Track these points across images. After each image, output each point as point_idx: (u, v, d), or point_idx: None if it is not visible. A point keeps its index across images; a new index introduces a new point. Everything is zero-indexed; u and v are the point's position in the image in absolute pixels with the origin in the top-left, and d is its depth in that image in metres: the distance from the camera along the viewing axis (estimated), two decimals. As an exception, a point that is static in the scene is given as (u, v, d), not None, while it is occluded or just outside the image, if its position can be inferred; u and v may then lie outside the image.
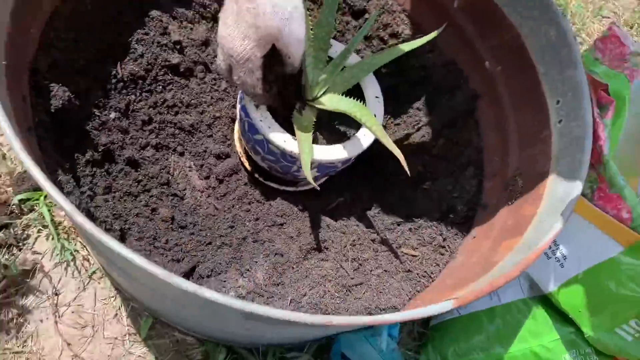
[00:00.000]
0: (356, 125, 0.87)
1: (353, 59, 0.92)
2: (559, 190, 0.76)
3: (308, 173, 0.74)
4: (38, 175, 0.53)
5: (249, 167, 0.94)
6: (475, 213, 0.93)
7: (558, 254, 0.83)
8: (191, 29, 1.00)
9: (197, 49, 0.99)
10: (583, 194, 0.81)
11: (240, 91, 0.86)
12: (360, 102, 0.81)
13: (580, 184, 0.73)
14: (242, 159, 0.95)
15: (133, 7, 0.93)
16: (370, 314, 0.78)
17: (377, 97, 0.91)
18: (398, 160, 0.73)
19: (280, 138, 0.80)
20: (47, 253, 0.91)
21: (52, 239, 0.91)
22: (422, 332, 1.01)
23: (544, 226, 0.72)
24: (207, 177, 0.94)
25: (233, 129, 0.98)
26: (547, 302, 0.88)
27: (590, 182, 0.80)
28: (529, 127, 0.90)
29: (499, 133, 0.96)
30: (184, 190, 0.91)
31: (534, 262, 0.65)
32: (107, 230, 0.79)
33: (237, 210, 0.91)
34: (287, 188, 0.94)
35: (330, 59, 0.90)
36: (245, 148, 0.94)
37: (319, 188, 0.76)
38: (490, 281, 0.63)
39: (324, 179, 0.97)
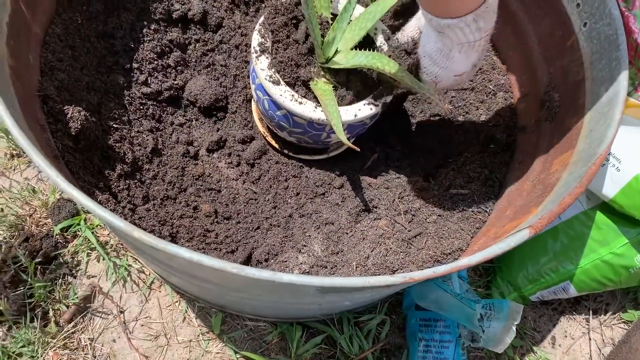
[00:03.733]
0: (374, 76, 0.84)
1: (357, 10, 0.89)
2: (602, 95, 0.73)
3: (342, 136, 0.72)
4: (87, 202, 0.52)
5: (276, 145, 0.92)
6: (516, 138, 0.90)
7: (611, 159, 0.81)
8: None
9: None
10: (625, 93, 0.78)
11: (251, 69, 0.83)
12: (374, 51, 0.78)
13: (625, 81, 0.70)
14: (267, 138, 0.93)
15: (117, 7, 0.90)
16: (437, 261, 0.77)
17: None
18: (424, 101, 0.71)
19: (304, 108, 0.78)
20: (102, 274, 0.91)
21: (103, 259, 0.90)
22: (486, 267, 1.00)
23: (596, 135, 0.69)
24: (238, 164, 0.92)
25: (251, 110, 0.96)
26: (609, 209, 0.86)
27: (630, 78, 0.77)
28: (551, 38, 0.86)
29: (521, 51, 0.93)
30: (218, 182, 0.90)
31: (597, 173, 0.63)
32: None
33: (275, 190, 0.89)
34: (319, 157, 0.93)
35: (334, 15, 0.87)
36: (268, 127, 0.92)
37: (358, 149, 0.74)
38: (558, 201, 0.61)
39: (353, 140, 0.94)
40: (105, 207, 0.73)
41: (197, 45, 0.97)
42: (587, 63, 0.78)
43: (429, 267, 0.77)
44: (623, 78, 0.70)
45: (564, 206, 0.60)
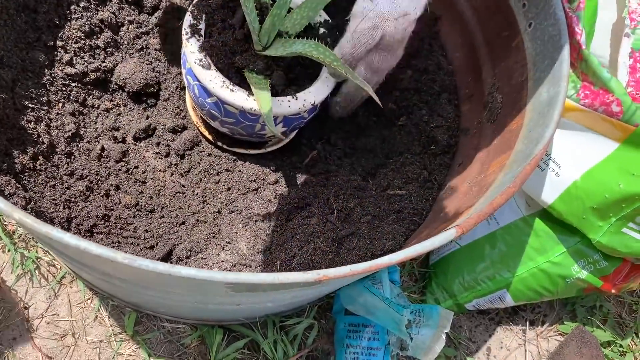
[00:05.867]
0: (317, 69, 0.80)
1: (298, -3, 0.85)
2: (543, 95, 0.71)
3: (273, 128, 0.67)
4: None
5: (209, 137, 0.87)
6: (458, 140, 0.88)
7: (551, 164, 0.78)
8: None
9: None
10: (567, 96, 0.76)
11: (182, 53, 0.78)
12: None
13: (565, 82, 0.68)
14: (200, 129, 0.88)
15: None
16: (366, 263, 0.73)
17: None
18: (368, 100, 0.67)
19: (235, 96, 0.73)
20: (6, 266, 0.83)
21: (8, 250, 0.82)
22: (423, 272, 0.97)
23: (534, 135, 0.67)
24: (167, 155, 0.86)
25: (184, 99, 0.90)
26: (548, 216, 0.83)
27: (572, 81, 0.75)
28: (498, 39, 0.84)
29: (468, 51, 0.91)
30: (144, 173, 0.84)
31: (531, 174, 0.60)
32: (66, 230, 0.72)
33: (205, 184, 0.84)
34: (255, 151, 0.87)
35: (274, 1, 0.82)
36: (201, 116, 0.87)
37: (284, 137, 0.70)
38: (489, 202, 0.57)
39: (293, 134, 0.90)
40: (5, 190, 0.66)
41: (130, 27, 0.91)
42: (531, 64, 0.76)
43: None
44: (564, 79, 0.68)
45: (494, 206, 0.57)
